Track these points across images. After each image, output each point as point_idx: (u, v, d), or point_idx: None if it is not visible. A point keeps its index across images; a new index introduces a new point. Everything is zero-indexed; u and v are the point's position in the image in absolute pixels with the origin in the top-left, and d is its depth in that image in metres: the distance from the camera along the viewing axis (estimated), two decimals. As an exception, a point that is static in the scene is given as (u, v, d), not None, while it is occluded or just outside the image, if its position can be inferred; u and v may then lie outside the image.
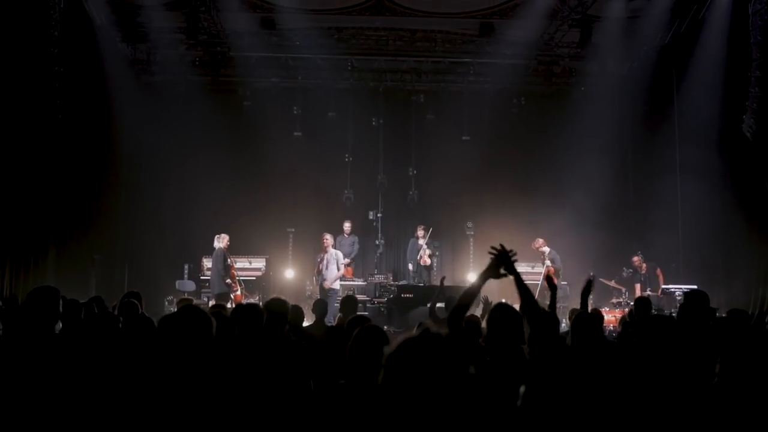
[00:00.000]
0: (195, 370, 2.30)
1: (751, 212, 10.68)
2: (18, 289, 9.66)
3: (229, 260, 12.04)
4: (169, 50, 13.79)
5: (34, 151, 9.90)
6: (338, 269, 12.07)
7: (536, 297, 10.77)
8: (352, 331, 4.11)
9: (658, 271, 12.37)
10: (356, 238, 13.92)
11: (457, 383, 1.46)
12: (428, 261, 13.45)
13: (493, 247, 3.57)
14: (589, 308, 5.92)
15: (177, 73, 14.11)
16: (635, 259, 12.48)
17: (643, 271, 12.41)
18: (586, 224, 12.99)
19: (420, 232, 13.62)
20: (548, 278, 5.07)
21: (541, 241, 12.77)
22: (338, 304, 11.94)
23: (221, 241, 12.21)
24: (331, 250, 12.28)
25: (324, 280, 12.05)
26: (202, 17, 12.92)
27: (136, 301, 5.39)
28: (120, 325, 4.31)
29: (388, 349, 1.57)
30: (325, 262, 12.13)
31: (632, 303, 11.27)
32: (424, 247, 13.44)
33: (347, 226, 13.77)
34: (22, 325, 3.58)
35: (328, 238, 12.38)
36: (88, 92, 11.79)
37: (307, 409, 2.95)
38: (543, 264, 12.73)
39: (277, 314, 4.33)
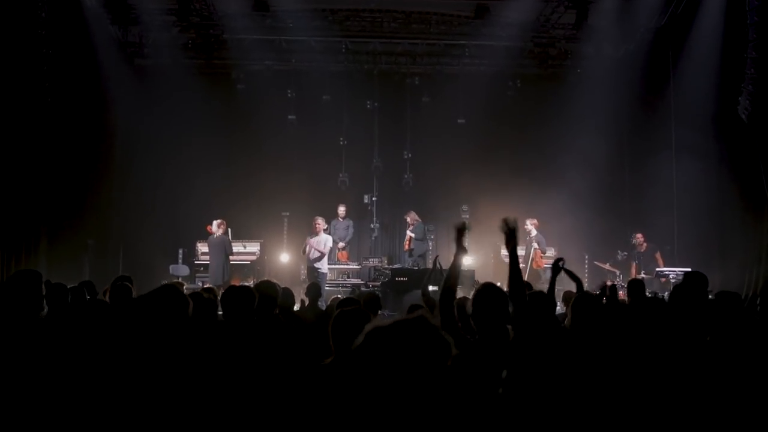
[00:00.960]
0: (171, 349, 2.26)
1: (747, 194, 10.66)
2: (10, 272, 9.61)
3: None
4: (161, 33, 13.62)
5: (23, 135, 9.78)
6: (323, 251, 12.08)
7: (525, 280, 10.69)
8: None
9: (658, 254, 12.32)
10: (351, 222, 13.89)
11: (428, 377, 1.39)
12: (406, 246, 13.45)
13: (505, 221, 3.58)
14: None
15: (169, 56, 13.92)
16: (638, 235, 12.44)
17: (642, 250, 12.38)
18: (581, 207, 12.98)
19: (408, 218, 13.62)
20: (554, 265, 5.08)
21: (535, 222, 12.74)
22: (329, 288, 12.12)
23: (223, 227, 12.19)
24: (323, 235, 12.28)
25: (311, 263, 12.09)
26: (194, -2, 12.79)
27: (129, 285, 5.34)
28: (109, 309, 4.24)
29: (358, 339, 1.50)
30: (310, 246, 12.15)
31: (625, 285, 11.32)
32: (407, 231, 13.43)
33: (342, 209, 13.74)
34: (4, 309, 3.53)
35: (320, 222, 12.37)
36: (78, 75, 11.63)
37: (291, 389, 2.92)
38: (530, 245, 12.70)
39: (266, 296, 4.30)
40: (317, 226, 12.32)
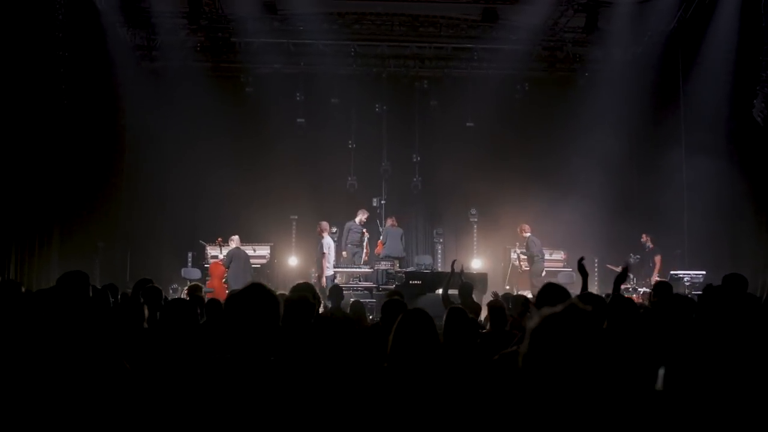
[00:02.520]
0: (265, 349, 2.24)
1: (759, 198, 10.65)
2: (23, 273, 9.57)
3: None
4: (172, 36, 13.60)
5: (40, 136, 9.75)
6: (326, 256, 12.04)
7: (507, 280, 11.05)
8: (387, 314, 4.07)
9: (657, 258, 12.34)
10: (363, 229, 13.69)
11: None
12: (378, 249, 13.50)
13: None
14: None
15: (178, 59, 13.89)
16: (643, 235, 12.55)
17: (647, 250, 12.44)
18: (591, 210, 12.97)
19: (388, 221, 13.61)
20: (579, 266, 5.01)
21: (525, 227, 12.79)
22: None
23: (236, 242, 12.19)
24: (327, 238, 12.19)
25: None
26: (204, 1, 12.75)
27: (159, 287, 5.31)
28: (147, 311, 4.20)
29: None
30: (328, 250, 12.09)
31: (639, 289, 11.34)
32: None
33: (363, 217, 13.50)
34: (54, 312, 3.48)
35: (324, 226, 12.31)
36: (92, 78, 11.60)
37: (350, 391, 2.89)
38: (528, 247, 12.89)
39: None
40: (320, 230, 12.28)
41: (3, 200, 9.12)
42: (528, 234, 12.79)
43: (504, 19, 13.91)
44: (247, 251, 13.04)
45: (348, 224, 13.31)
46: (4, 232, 9.24)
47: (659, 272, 12.07)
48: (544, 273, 12.54)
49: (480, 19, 14.05)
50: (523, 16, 13.57)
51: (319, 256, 12.22)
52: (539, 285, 12.19)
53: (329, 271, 12.20)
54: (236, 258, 12.03)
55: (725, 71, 10.98)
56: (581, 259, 5.25)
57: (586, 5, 13.13)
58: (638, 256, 12.41)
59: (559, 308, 1.50)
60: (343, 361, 3.08)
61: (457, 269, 8.48)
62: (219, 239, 12.85)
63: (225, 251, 12.43)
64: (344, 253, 13.17)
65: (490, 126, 14.37)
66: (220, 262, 12.39)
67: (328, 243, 12.17)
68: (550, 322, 1.45)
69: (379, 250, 13.38)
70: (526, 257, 12.99)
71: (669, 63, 13.07)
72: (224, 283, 12.10)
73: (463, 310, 4.41)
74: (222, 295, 10.64)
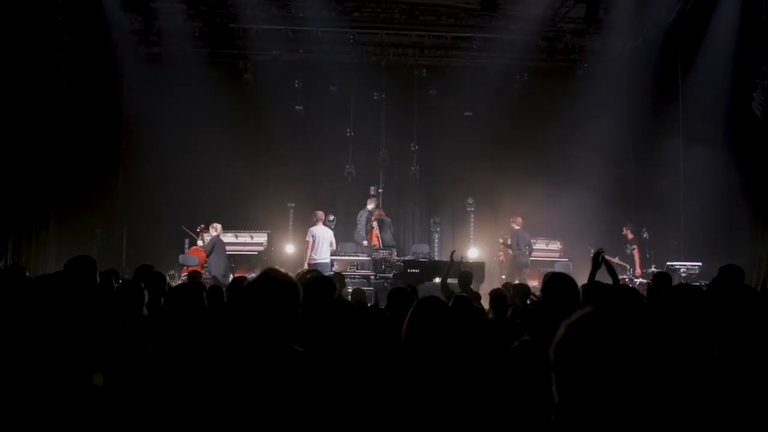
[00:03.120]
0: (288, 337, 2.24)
1: (756, 190, 10.68)
2: (20, 259, 9.55)
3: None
4: (169, 21, 13.49)
5: (38, 121, 9.70)
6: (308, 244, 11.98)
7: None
8: (395, 302, 4.08)
9: (635, 249, 12.39)
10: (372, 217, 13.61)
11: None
12: (375, 243, 13.30)
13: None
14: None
15: (176, 44, 13.77)
16: (623, 228, 12.66)
17: (629, 238, 12.53)
18: (589, 200, 12.97)
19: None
20: (594, 258, 5.03)
21: (518, 219, 12.77)
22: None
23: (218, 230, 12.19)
24: (322, 228, 12.12)
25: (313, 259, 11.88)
26: (203, -14, 12.68)
27: (163, 273, 5.31)
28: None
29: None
30: (312, 239, 11.99)
31: (636, 280, 11.40)
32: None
33: (371, 206, 13.46)
34: (61, 296, 3.49)
35: (317, 215, 12.26)
36: (90, 62, 11.52)
37: (368, 378, 2.90)
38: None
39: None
40: (315, 219, 12.25)
41: (1, 186, 9.08)
42: (517, 227, 12.74)
43: (504, 9, 13.88)
44: (244, 238, 13.07)
45: (362, 212, 13.25)
46: (1, 217, 9.20)
47: (639, 262, 12.18)
48: (527, 270, 12.49)
49: (480, 8, 14.01)
50: (523, 6, 13.54)
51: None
52: (512, 274, 12.22)
53: (319, 260, 12.05)
54: (218, 246, 12.06)
55: (725, 63, 10.96)
56: (600, 251, 5.23)
57: (587, -5, 13.10)
58: (634, 247, 12.45)
59: (589, 309, 1.41)
60: (359, 347, 3.09)
61: (456, 259, 8.50)
62: (201, 226, 12.75)
63: (206, 238, 12.40)
64: (364, 242, 13.11)
65: (489, 115, 14.33)
66: (201, 249, 12.36)
67: (313, 232, 12.05)
68: (578, 333, 1.36)
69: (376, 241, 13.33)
70: (508, 248, 12.99)
71: (668, 55, 13.03)
72: (203, 269, 12.07)
73: (469, 299, 4.44)
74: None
